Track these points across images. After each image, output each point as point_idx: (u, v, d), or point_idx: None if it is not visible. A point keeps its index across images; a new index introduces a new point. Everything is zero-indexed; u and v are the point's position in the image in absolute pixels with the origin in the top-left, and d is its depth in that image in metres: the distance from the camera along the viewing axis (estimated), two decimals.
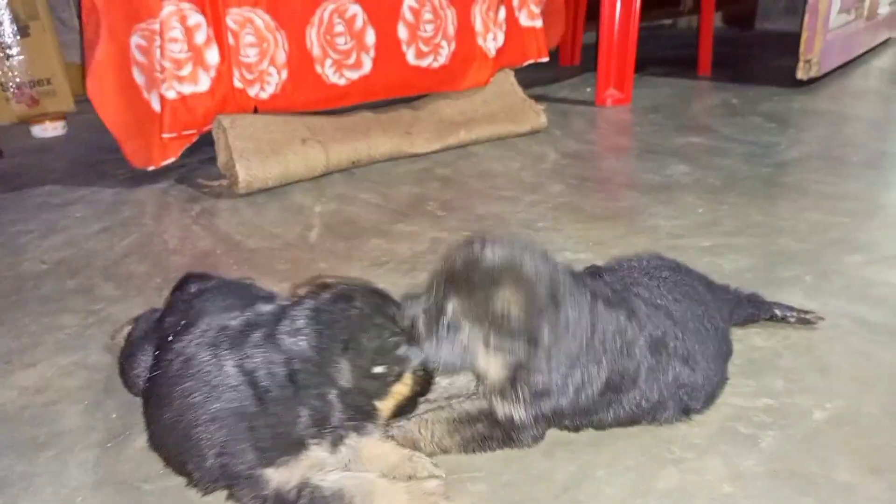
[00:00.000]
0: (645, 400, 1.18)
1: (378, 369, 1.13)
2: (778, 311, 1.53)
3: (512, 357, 1.08)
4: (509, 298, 1.06)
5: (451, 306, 1.09)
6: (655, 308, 1.22)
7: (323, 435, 1.09)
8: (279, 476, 1.06)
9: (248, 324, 1.15)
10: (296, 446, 1.07)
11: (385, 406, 1.17)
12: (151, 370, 1.22)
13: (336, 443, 1.11)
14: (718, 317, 1.31)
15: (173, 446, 1.12)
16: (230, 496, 1.10)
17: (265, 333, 1.11)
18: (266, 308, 1.18)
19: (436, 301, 1.11)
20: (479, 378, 1.18)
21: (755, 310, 1.51)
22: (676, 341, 1.19)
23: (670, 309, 1.23)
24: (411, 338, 1.14)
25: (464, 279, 1.08)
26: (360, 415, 1.14)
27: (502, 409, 1.14)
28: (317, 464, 1.09)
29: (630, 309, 1.18)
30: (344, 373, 1.10)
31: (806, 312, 1.53)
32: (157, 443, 1.17)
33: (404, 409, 1.20)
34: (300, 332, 1.10)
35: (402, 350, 1.16)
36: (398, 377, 1.16)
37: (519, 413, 1.13)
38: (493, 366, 1.11)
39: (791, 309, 1.54)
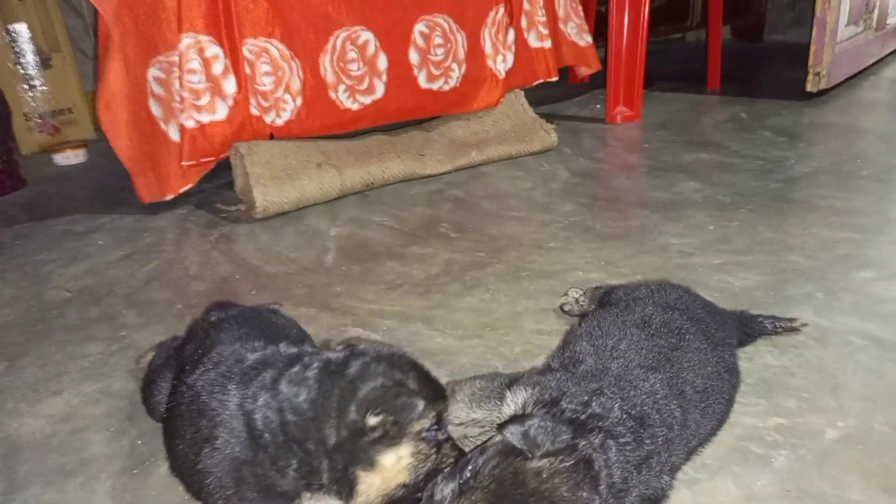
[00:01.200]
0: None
1: (372, 420, 0.98)
2: (769, 325, 1.55)
3: None
4: None
5: None
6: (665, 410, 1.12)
7: (318, 489, 1.02)
8: None
9: (263, 362, 1.11)
10: (284, 497, 1.03)
11: (370, 481, 1.00)
12: (168, 401, 1.24)
13: (341, 489, 1.02)
14: (728, 352, 1.32)
15: (189, 478, 1.14)
16: None
17: (272, 377, 1.06)
18: (288, 350, 1.13)
19: None
20: None
21: (749, 329, 1.52)
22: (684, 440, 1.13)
23: (681, 394, 1.16)
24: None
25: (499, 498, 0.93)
26: (339, 484, 1.01)
27: None
28: None
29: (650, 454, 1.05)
30: (330, 427, 1.00)
31: (790, 320, 1.56)
32: (177, 471, 1.19)
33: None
34: (304, 382, 1.04)
35: (407, 399, 0.99)
36: (394, 436, 0.99)
37: None
38: None
39: (775, 318, 1.56)
